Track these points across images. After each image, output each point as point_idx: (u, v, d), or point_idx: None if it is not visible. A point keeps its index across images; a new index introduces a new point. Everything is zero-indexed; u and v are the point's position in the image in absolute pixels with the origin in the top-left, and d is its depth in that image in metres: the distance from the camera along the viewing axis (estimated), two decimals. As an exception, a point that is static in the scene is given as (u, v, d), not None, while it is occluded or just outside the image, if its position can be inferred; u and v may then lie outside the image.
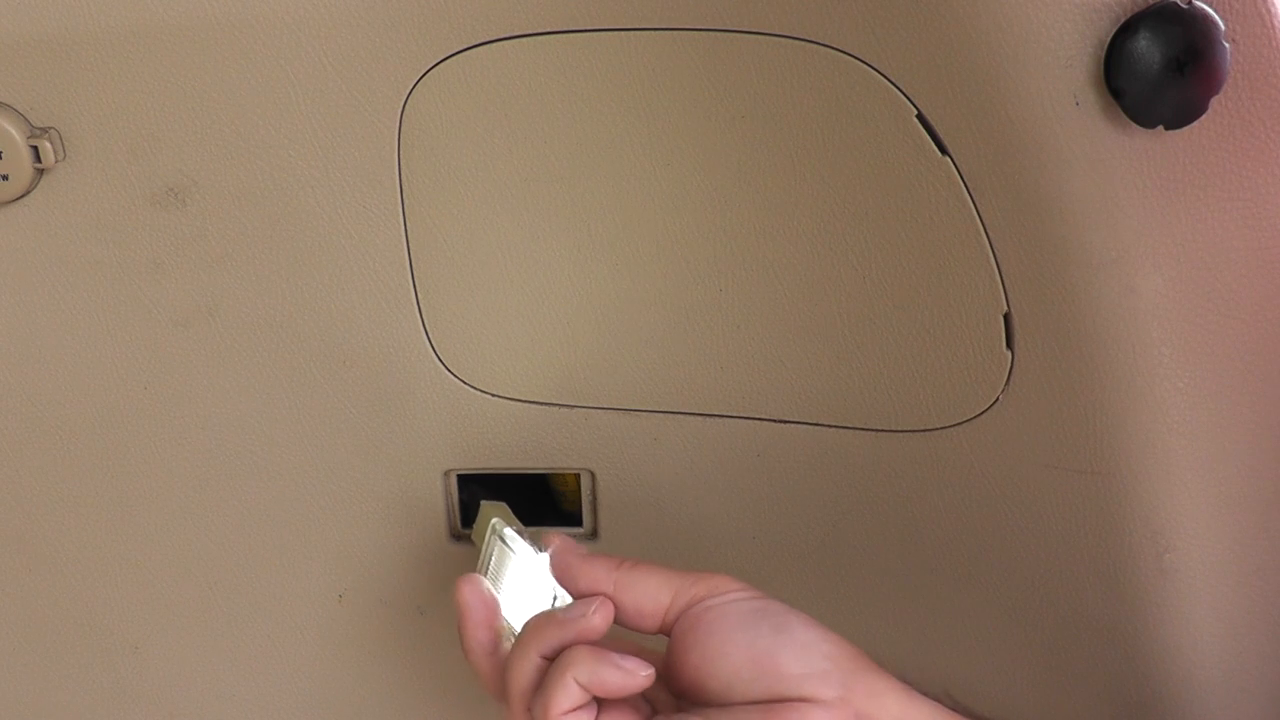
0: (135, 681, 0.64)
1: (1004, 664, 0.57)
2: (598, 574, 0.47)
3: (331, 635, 0.62)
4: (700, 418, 0.55)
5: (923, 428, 0.53)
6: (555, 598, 0.49)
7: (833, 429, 0.54)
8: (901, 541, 0.56)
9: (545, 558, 0.49)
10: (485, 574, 0.52)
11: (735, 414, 0.55)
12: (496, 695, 0.48)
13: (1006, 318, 0.49)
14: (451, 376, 0.55)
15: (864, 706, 0.43)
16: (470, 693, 0.64)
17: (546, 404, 0.56)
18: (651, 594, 0.46)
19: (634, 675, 0.44)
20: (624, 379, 0.55)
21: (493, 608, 0.50)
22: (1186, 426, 0.49)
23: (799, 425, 0.54)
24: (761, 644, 0.44)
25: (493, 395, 0.56)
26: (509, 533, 0.52)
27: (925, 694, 0.45)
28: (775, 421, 0.55)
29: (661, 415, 0.56)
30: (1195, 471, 0.50)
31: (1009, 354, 0.50)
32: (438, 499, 0.59)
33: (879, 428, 0.53)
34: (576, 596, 0.48)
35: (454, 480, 0.59)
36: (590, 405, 0.56)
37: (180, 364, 0.56)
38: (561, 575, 0.48)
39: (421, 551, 0.60)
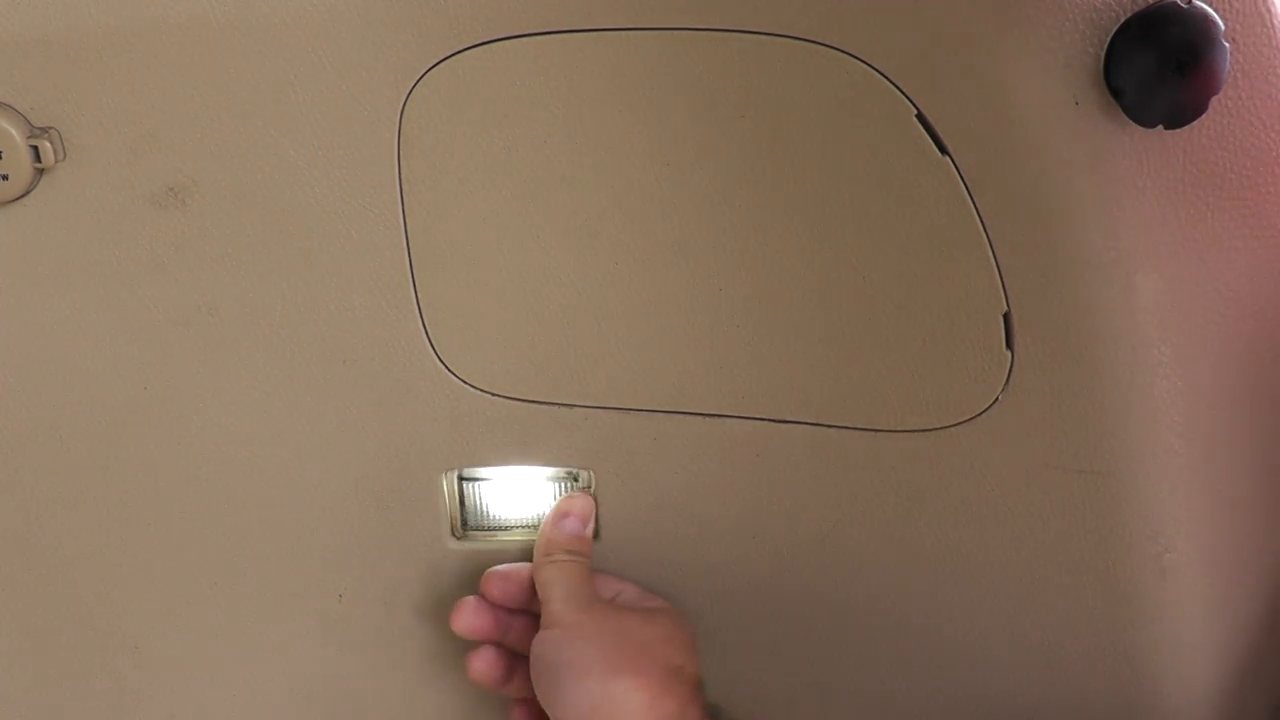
0: (135, 681, 0.64)
1: (1004, 664, 0.57)
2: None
3: (331, 635, 0.62)
4: (700, 418, 0.55)
5: (923, 428, 0.53)
6: None
7: (833, 429, 0.54)
8: (901, 541, 0.56)
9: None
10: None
11: (735, 414, 0.55)
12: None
13: (1006, 318, 0.49)
14: (451, 376, 0.55)
15: None
16: (470, 693, 0.64)
17: (547, 404, 0.56)
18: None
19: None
20: (624, 379, 0.55)
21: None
22: (1186, 426, 0.49)
23: (799, 425, 0.54)
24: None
25: (493, 395, 0.56)
26: None
27: None
28: (775, 421, 0.55)
29: (661, 415, 0.56)
30: (1195, 471, 0.50)
31: (1009, 354, 0.50)
32: (438, 499, 0.59)
33: (879, 428, 0.53)
34: None
35: (454, 480, 0.59)
36: (590, 405, 0.56)
37: (180, 364, 0.56)
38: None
39: (421, 551, 0.60)
